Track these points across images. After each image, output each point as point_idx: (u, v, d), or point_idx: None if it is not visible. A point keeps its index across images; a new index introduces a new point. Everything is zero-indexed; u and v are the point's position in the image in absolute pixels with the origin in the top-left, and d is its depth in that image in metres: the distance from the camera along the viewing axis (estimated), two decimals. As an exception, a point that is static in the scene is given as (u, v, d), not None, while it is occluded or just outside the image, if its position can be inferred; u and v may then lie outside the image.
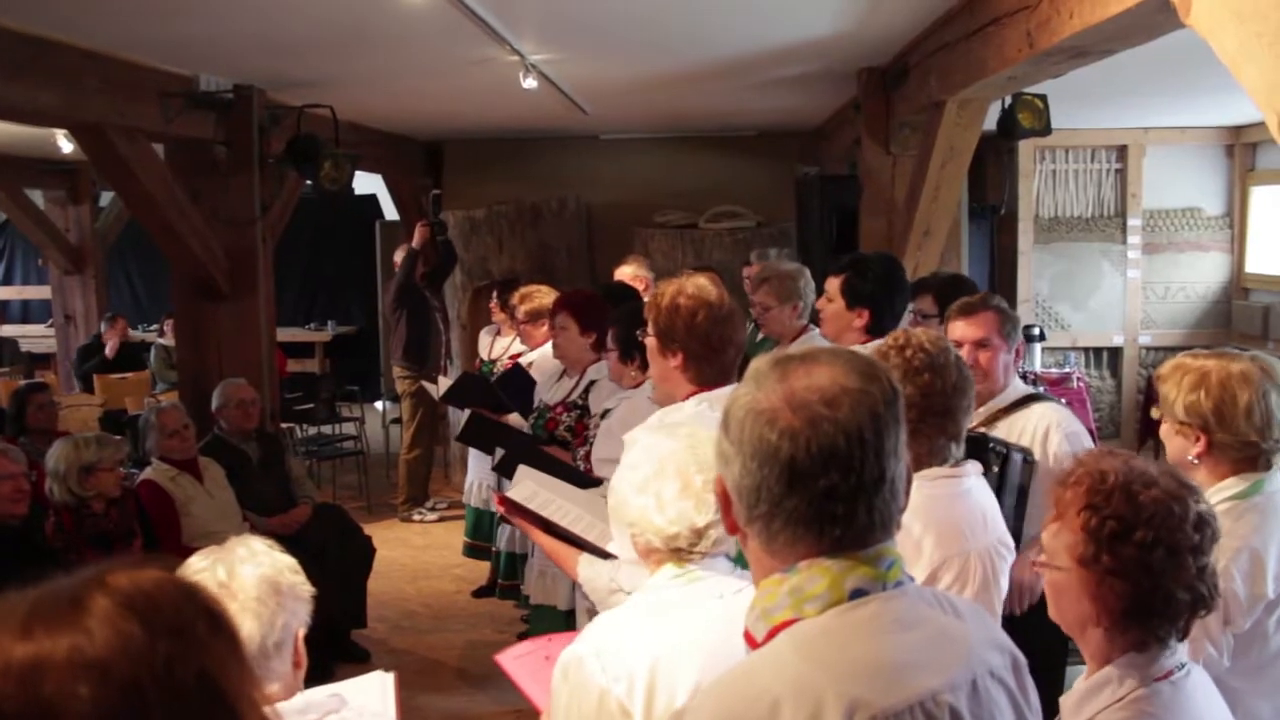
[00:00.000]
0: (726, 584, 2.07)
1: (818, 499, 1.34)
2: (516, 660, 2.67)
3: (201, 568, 2.03)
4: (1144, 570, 1.76)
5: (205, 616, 1.02)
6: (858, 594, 1.36)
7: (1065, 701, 1.90)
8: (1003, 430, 3.29)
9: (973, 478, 2.56)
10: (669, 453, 2.12)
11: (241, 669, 1.03)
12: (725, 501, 1.45)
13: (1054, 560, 1.87)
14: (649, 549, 2.12)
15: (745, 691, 1.32)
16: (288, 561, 2.11)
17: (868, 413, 1.35)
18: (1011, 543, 2.60)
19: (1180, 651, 1.83)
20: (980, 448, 3.00)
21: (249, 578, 2.02)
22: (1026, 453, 3.09)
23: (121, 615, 0.96)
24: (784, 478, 1.34)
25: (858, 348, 2.64)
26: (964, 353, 3.25)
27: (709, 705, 1.36)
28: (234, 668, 1.01)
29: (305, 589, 2.11)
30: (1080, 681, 1.90)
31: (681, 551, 2.08)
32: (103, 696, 0.92)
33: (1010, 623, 2.99)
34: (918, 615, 1.40)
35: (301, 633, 2.07)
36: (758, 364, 1.45)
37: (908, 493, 1.42)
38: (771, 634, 1.38)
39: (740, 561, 2.20)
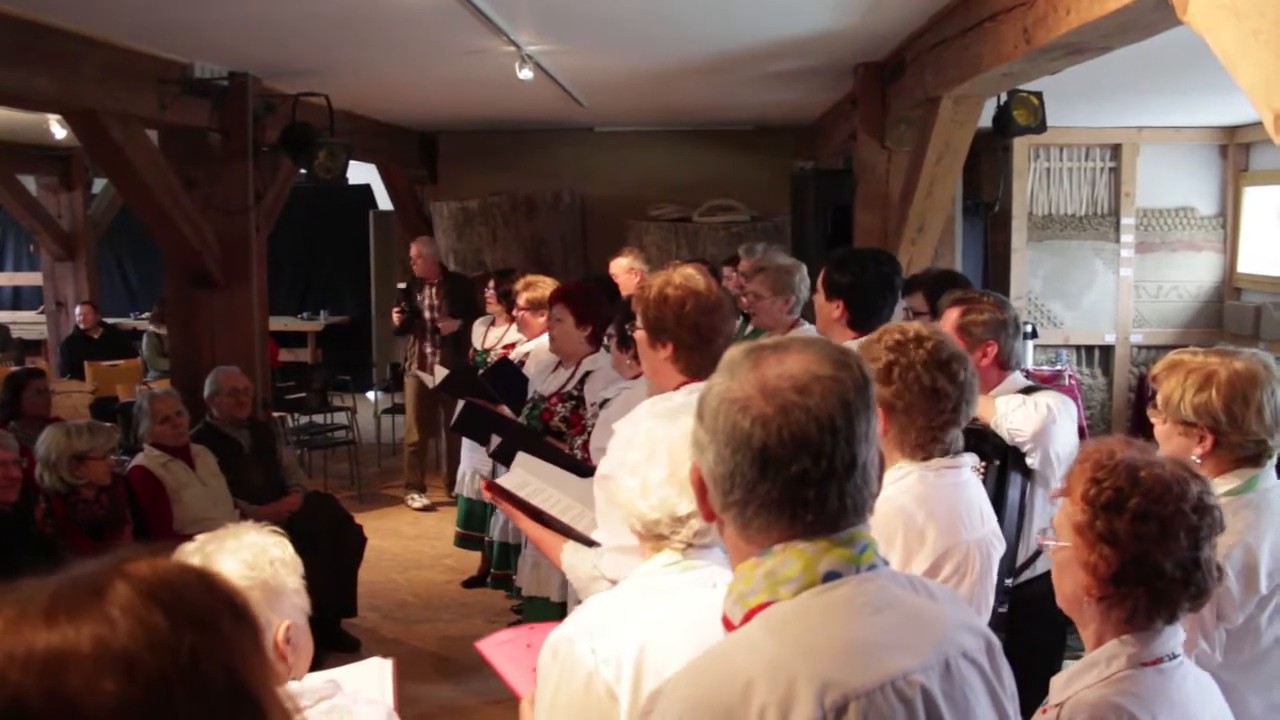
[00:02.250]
0: (720, 574, 2.05)
1: (790, 484, 1.37)
2: (499, 647, 2.66)
3: (190, 551, 2.03)
4: (1133, 538, 1.79)
5: (228, 608, 0.98)
6: (831, 576, 1.38)
7: (1055, 681, 1.92)
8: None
9: (969, 469, 2.57)
10: (663, 438, 2.11)
11: (264, 663, 0.99)
12: (701, 488, 1.47)
13: (1059, 537, 1.91)
14: (635, 533, 2.12)
15: (719, 673, 1.34)
16: (276, 554, 2.07)
17: (838, 400, 1.38)
18: (1002, 535, 2.60)
19: (1175, 642, 1.85)
20: (981, 440, 3.01)
21: (226, 568, 1.99)
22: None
23: (144, 605, 0.91)
24: (757, 464, 1.37)
25: (850, 344, 2.64)
26: None
27: (683, 686, 1.38)
28: (258, 662, 0.97)
29: (291, 580, 2.07)
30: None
31: (663, 538, 2.07)
32: (128, 692, 0.88)
33: (1008, 621, 3.00)
34: (890, 597, 1.42)
35: (286, 624, 2.04)
36: (731, 353, 1.48)
37: (880, 478, 1.45)
38: (747, 617, 1.40)
39: None
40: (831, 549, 1.39)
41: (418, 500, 8.46)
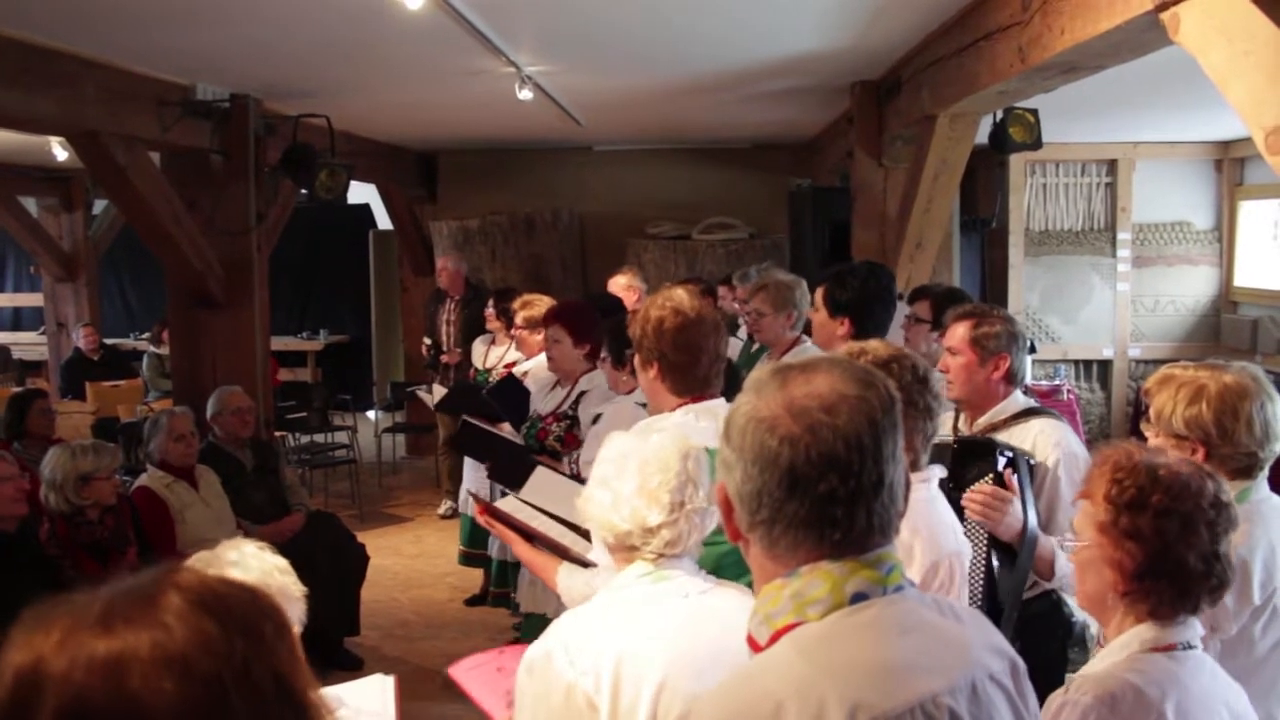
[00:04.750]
0: (693, 584, 2.12)
1: (818, 503, 1.37)
2: (469, 672, 2.68)
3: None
4: (1157, 533, 1.86)
5: (271, 618, 1.02)
6: (859, 598, 1.38)
7: (1074, 677, 1.96)
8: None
9: (936, 481, 2.59)
10: (632, 452, 2.18)
11: (304, 669, 1.03)
12: (727, 509, 1.47)
13: (1081, 538, 1.97)
14: (607, 545, 2.19)
15: (749, 694, 1.35)
16: (277, 563, 2.14)
17: (866, 419, 1.38)
18: (969, 545, 2.62)
19: (1192, 633, 1.91)
20: (986, 450, 3.00)
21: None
22: (1030, 456, 3.08)
23: (195, 613, 0.96)
24: (784, 483, 1.37)
25: None
26: (943, 358, 3.34)
27: (713, 708, 1.39)
28: (299, 668, 1.02)
29: (296, 589, 2.14)
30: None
31: (635, 549, 2.13)
32: (187, 691, 0.92)
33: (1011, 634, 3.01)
34: (918, 619, 1.42)
35: (295, 631, 2.09)
36: (758, 374, 1.47)
37: (906, 498, 1.45)
38: (774, 638, 1.40)
39: (708, 567, 2.24)
40: (859, 570, 1.39)
41: (442, 506, 8.60)
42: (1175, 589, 1.87)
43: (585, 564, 2.82)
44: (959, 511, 2.84)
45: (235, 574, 2.05)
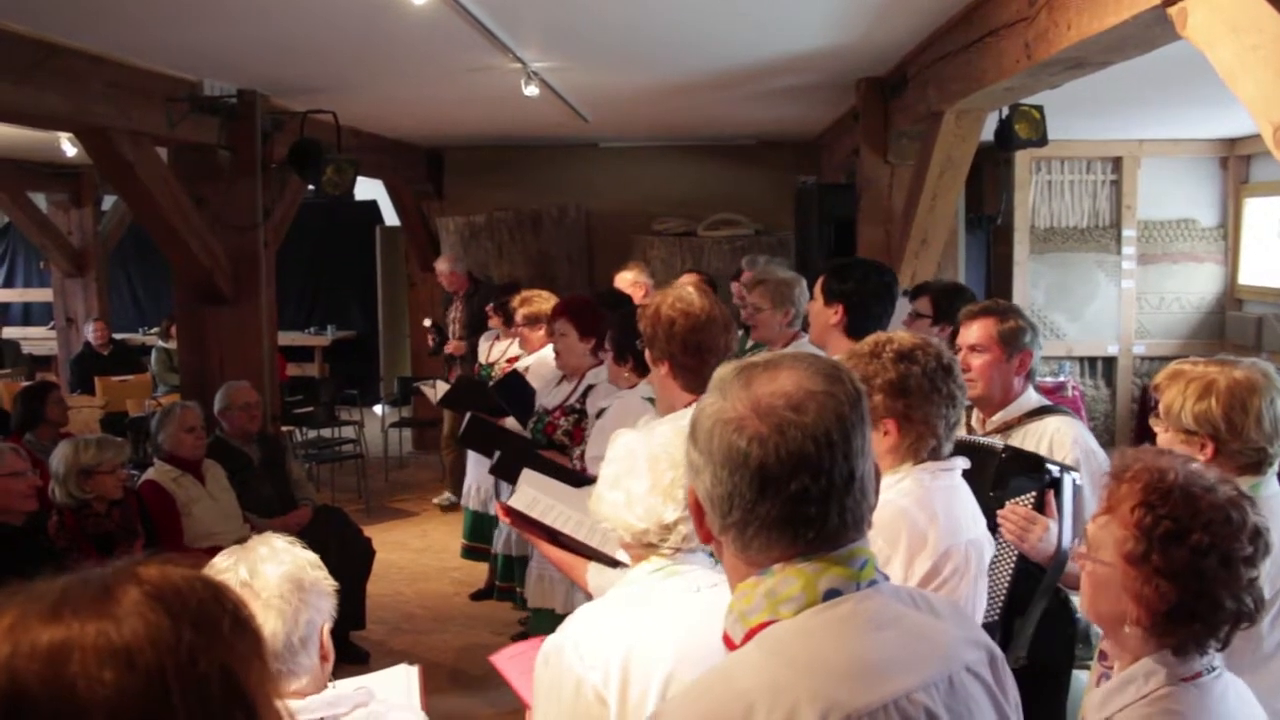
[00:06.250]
0: (704, 578, 2.11)
1: (790, 502, 1.35)
2: (510, 660, 2.71)
3: (225, 567, 2.06)
4: (1194, 575, 1.73)
5: (230, 614, 1.03)
6: (832, 594, 1.37)
7: (1090, 699, 1.89)
8: (1014, 441, 3.27)
9: (959, 471, 2.59)
10: (640, 449, 2.18)
11: (262, 669, 1.03)
12: (698, 512, 1.45)
13: (1098, 553, 1.83)
14: (624, 544, 2.19)
15: (721, 694, 1.33)
16: (309, 558, 2.13)
17: (834, 415, 1.36)
18: (991, 539, 2.61)
19: (1215, 655, 1.80)
20: (1033, 467, 2.94)
21: (271, 576, 2.05)
22: (1077, 475, 3.01)
23: (150, 606, 0.97)
24: (755, 484, 1.35)
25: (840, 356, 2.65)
26: (961, 356, 3.29)
27: (684, 708, 1.37)
28: (255, 667, 1.02)
29: (328, 584, 2.14)
30: (1092, 676, 1.89)
31: (653, 546, 2.13)
32: (126, 681, 0.93)
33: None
34: (892, 614, 1.40)
35: (327, 626, 2.10)
36: (721, 373, 1.45)
37: (877, 491, 1.43)
38: (748, 636, 1.38)
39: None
40: (831, 567, 1.37)
41: (440, 498, 8.66)
42: (1207, 631, 1.75)
43: (613, 562, 2.82)
44: (994, 523, 2.82)
45: (268, 567, 2.06)
